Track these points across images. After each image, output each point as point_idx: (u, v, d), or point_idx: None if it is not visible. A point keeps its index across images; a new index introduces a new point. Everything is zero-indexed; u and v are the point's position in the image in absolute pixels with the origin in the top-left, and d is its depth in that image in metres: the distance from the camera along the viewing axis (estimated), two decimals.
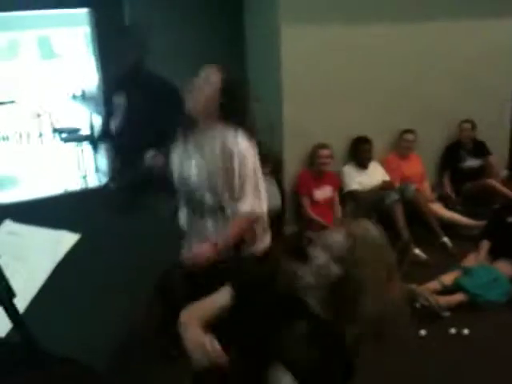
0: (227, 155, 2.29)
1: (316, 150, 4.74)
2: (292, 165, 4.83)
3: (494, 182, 5.19)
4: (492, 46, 5.48)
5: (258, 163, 2.36)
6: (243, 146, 2.30)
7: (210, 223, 2.39)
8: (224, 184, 2.31)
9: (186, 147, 2.41)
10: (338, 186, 4.90)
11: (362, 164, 4.99)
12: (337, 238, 1.50)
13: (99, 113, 4.80)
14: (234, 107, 2.31)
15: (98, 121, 5.86)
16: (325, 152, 4.72)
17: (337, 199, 4.85)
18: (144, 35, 3.33)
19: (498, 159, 5.66)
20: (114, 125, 3.27)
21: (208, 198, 2.35)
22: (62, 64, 15.14)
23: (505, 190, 5.09)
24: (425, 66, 5.19)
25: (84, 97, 11.53)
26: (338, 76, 4.85)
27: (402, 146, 5.17)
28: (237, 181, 2.29)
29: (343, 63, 4.85)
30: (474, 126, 5.42)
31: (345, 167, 4.99)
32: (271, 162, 4.46)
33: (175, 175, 2.45)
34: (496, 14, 5.37)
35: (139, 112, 3.10)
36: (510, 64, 5.68)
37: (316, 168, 4.76)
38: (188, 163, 2.37)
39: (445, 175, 5.50)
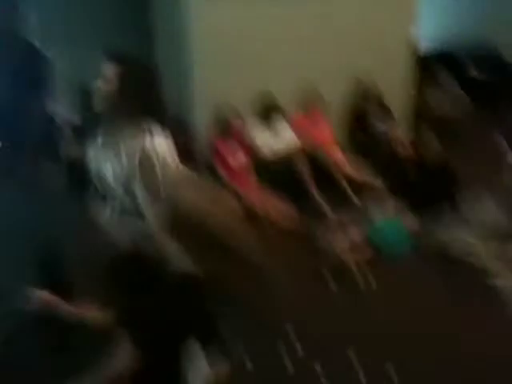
0: (145, 157, 2.22)
1: (228, 118, 4.77)
2: (205, 133, 4.84)
3: (393, 146, 5.45)
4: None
5: (176, 159, 2.31)
6: (160, 145, 2.25)
7: (130, 224, 2.31)
8: (144, 187, 2.24)
9: (102, 146, 2.31)
10: (251, 152, 4.97)
11: (274, 129, 5.07)
12: None
13: None
14: (140, 101, 2.25)
15: None
16: (237, 120, 4.76)
17: (250, 166, 4.91)
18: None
19: (401, 118, 5.92)
20: None
21: (126, 200, 2.30)
22: None
23: (406, 152, 5.34)
24: (329, 24, 5.34)
25: None
26: (245, 35, 4.88)
27: (307, 106, 5.29)
28: (160, 182, 2.24)
29: (250, 22, 4.90)
30: (377, 90, 5.63)
31: (256, 133, 5.05)
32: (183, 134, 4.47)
33: (93, 173, 2.35)
34: None
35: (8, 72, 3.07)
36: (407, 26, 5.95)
37: (229, 136, 4.80)
38: (104, 164, 2.29)
39: (352, 135, 5.70)
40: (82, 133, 2.51)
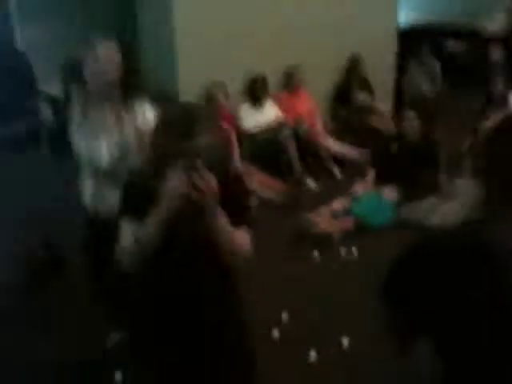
0: (141, 129, 2.28)
1: (211, 90, 4.78)
2: None
3: (374, 119, 5.59)
4: None
5: None
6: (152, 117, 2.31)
7: None
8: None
9: (89, 124, 2.32)
10: (236, 125, 5.00)
11: (258, 103, 5.11)
12: None
13: None
14: (134, 80, 2.34)
15: None
16: (220, 92, 4.78)
17: (234, 138, 4.96)
18: None
19: (383, 93, 6.01)
20: None
21: (123, 171, 2.30)
22: None
23: (384, 126, 5.46)
24: (310, 3, 5.35)
25: None
26: (229, 17, 4.85)
27: (290, 82, 5.33)
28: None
29: (234, 2, 4.87)
30: (362, 62, 5.72)
31: (241, 106, 5.09)
32: None
33: (81, 152, 2.34)
34: None
35: None
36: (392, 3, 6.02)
37: (213, 108, 4.81)
38: (97, 142, 2.29)
39: (336, 110, 5.78)
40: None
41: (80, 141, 2.33)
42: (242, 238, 1.59)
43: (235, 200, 1.59)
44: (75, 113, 2.37)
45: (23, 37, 5.66)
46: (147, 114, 2.34)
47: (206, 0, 4.70)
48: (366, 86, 5.83)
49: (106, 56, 2.26)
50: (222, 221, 1.52)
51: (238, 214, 1.59)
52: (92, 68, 2.26)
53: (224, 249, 1.54)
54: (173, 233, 1.53)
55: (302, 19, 5.29)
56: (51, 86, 5.27)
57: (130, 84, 2.32)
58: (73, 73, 4.90)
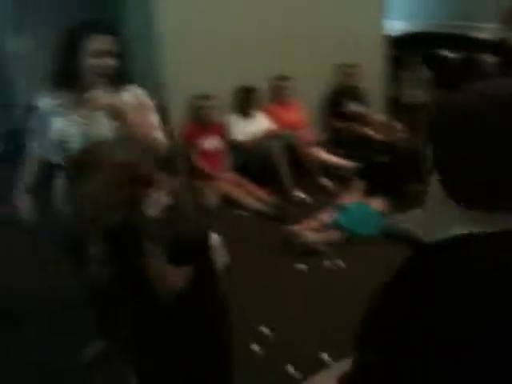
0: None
1: (198, 101, 4.81)
2: (178, 116, 4.86)
3: (365, 130, 5.58)
4: None
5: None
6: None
7: None
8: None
9: (69, 116, 2.30)
10: (225, 135, 5.02)
11: (247, 113, 5.13)
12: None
13: None
14: (125, 69, 2.38)
15: None
16: (207, 103, 4.80)
17: (224, 149, 4.98)
18: None
19: (374, 104, 6.02)
20: None
21: None
22: None
23: (375, 135, 5.48)
24: (302, 14, 5.38)
25: None
26: (218, 25, 4.89)
27: (280, 93, 5.36)
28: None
29: (222, 12, 4.91)
30: (356, 71, 5.73)
31: (230, 117, 5.11)
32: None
33: (54, 141, 2.30)
34: None
35: None
36: (378, 11, 6.05)
37: (201, 119, 4.84)
38: (74, 130, 2.28)
39: (328, 120, 5.78)
40: None
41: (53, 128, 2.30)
42: (174, 276, 1.61)
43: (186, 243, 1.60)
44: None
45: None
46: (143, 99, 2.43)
47: (192, 9, 4.72)
48: (359, 95, 5.85)
49: (106, 49, 2.27)
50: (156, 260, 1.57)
51: (187, 255, 1.62)
52: (91, 62, 2.26)
53: (155, 283, 1.61)
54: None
55: (291, 29, 5.31)
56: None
57: (124, 74, 2.37)
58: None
